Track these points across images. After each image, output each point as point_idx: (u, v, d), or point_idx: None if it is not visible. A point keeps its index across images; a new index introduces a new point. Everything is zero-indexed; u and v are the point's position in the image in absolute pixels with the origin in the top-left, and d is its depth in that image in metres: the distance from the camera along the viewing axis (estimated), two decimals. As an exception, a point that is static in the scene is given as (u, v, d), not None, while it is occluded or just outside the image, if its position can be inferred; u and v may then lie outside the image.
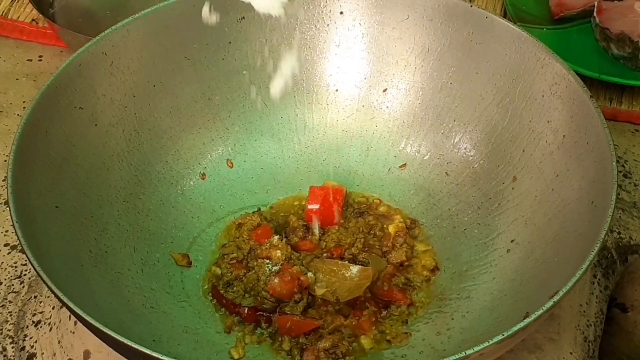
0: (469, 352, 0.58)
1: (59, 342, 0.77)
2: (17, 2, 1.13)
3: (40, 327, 0.79)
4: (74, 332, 0.78)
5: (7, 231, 0.87)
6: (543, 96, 0.78)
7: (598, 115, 0.72)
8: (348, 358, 0.72)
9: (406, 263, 0.79)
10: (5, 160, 0.93)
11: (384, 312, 0.76)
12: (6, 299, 0.81)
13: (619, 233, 0.87)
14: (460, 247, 0.81)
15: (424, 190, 0.86)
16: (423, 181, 0.86)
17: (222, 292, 0.77)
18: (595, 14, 1.04)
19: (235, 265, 0.79)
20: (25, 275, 0.83)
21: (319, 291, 0.75)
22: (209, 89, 0.87)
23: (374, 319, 0.75)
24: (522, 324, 0.59)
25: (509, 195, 0.80)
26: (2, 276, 0.83)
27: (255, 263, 0.78)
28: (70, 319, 0.78)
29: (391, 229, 0.81)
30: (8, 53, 1.08)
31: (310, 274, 0.76)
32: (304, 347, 0.73)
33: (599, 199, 0.68)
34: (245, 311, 0.76)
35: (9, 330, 0.79)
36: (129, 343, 0.59)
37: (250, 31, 0.87)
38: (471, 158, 0.84)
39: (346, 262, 0.78)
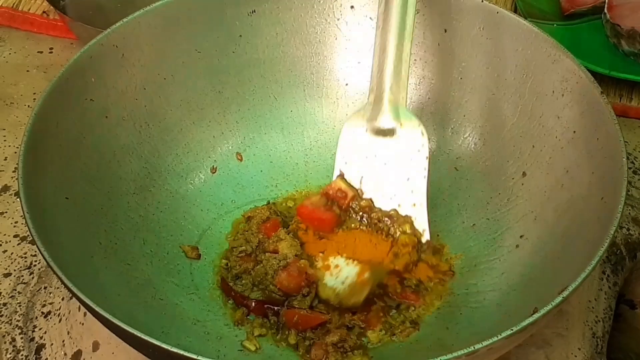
0: (477, 346, 0.58)
1: (68, 333, 0.78)
2: (28, -6, 1.14)
3: (50, 318, 0.79)
4: (83, 324, 0.78)
5: (16, 222, 0.87)
6: (553, 92, 0.78)
7: (608, 111, 0.72)
8: (356, 352, 0.72)
9: (405, 274, 0.78)
10: (15, 152, 0.93)
11: (394, 311, 0.76)
12: (15, 290, 0.82)
13: (628, 229, 0.87)
14: (469, 243, 0.80)
15: (432, 186, 0.85)
16: (432, 176, 0.86)
17: (230, 284, 0.77)
18: (606, 10, 1.04)
19: (244, 259, 0.79)
20: (34, 266, 0.83)
21: (324, 293, 0.75)
22: (219, 82, 0.87)
23: (381, 314, 0.75)
24: (530, 320, 0.59)
25: (518, 190, 0.80)
26: (12, 267, 0.83)
27: (263, 257, 0.78)
28: (79, 310, 0.79)
29: (403, 238, 0.80)
30: (19, 45, 1.09)
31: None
32: (312, 341, 0.73)
33: (609, 195, 0.68)
34: (253, 304, 0.76)
35: (18, 321, 0.79)
36: (138, 334, 0.59)
37: (261, 24, 0.87)
38: (481, 153, 0.84)
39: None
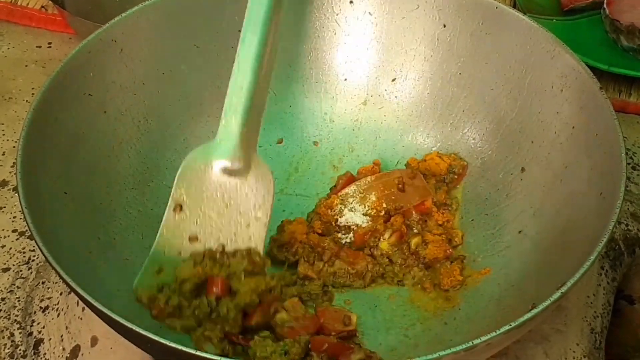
0: (476, 342, 0.58)
1: (66, 327, 0.78)
2: (27, -12, 1.14)
3: (48, 312, 0.79)
4: (81, 318, 0.78)
5: (15, 217, 0.87)
6: (552, 87, 0.78)
7: (607, 106, 0.72)
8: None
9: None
10: (14, 147, 0.93)
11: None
12: (14, 285, 0.82)
13: (626, 225, 0.87)
14: (468, 238, 0.80)
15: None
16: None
17: None
18: (605, 5, 1.04)
19: None
20: (33, 261, 0.83)
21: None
22: (218, 78, 0.86)
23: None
24: (529, 315, 0.59)
25: (517, 186, 0.80)
26: (11, 262, 0.83)
27: None
28: (78, 305, 0.79)
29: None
30: (17, 40, 1.09)
31: None
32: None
33: (608, 191, 0.68)
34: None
35: (16, 315, 0.79)
36: (137, 329, 0.59)
37: (259, 20, 0.87)
38: (479, 149, 0.84)
39: None
